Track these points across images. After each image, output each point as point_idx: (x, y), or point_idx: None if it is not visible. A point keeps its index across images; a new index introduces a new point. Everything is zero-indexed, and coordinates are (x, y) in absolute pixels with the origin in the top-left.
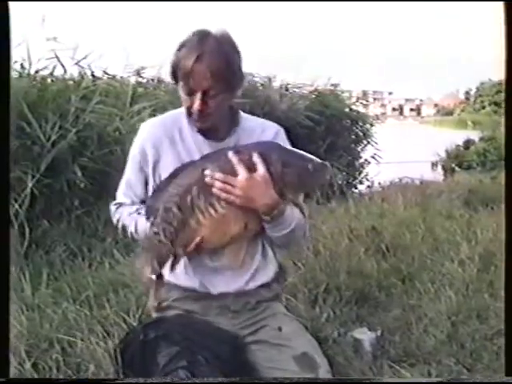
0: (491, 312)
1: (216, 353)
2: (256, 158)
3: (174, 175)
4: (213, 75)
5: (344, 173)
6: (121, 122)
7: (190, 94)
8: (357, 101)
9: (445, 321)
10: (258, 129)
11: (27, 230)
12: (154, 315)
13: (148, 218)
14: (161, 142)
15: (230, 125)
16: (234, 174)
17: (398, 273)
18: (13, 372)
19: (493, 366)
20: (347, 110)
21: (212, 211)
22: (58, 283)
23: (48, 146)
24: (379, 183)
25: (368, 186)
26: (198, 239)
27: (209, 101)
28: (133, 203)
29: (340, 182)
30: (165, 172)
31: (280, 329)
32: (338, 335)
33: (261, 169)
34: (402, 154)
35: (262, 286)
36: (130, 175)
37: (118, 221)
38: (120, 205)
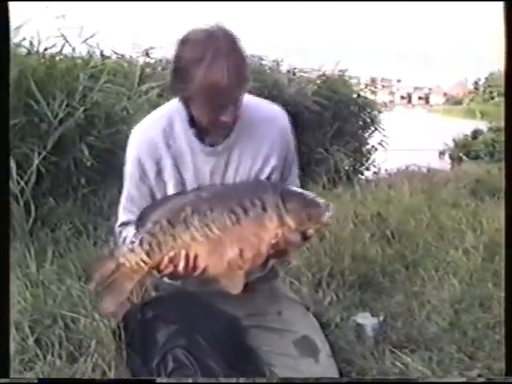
0: (494, 301)
1: (214, 333)
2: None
3: (168, 196)
4: (241, 84)
5: (351, 159)
6: (128, 102)
7: (216, 108)
8: (365, 87)
9: (448, 308)
10: (258, 129)
11: (33, 207)
12: (153, 294)
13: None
14: (157, 150)
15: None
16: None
17: (402, 259)
18: (15, 347)
19: (494, 355)
20: (355, 96)
21: (207, 231)
22: (63, 260)
23: (55, 123)
24: (386, 170)
25: (374, 173)
26: (191, 255)
27: (237, 111)
28: None
29: (346, 168)
30: (168, 178)
31: (280, 313)
32: (341, 319)
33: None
34: (409, 142)
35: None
36: (131, 191)
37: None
38: (126, 224)
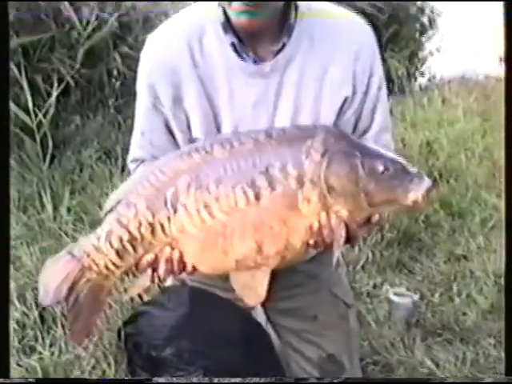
0: None
1: (228, 335)
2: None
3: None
4: None
5: (405, 65)
6: (170, 4)
7: None
8: None
9: (492, 286)
10: (327, 43)
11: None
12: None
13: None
14: (176, 70)
15: (280, 33)
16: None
17: (447, 207)
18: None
19: None
20: None
21: (206, 216)
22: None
23: (88, 30)
24: (441, 77)
25: (429, 80)
26: (175, 256)
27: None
28: (153, 158)
29: (400, 75)
30: (192, 108)
31: (315, 318)
32: (374, 287)
33: None
34: (468, 47)
35: None
36: (141, 121)
37: None
38: (139, 162)
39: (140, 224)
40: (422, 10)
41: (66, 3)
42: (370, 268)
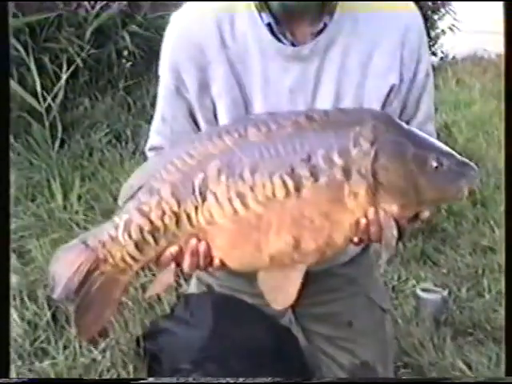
0: None
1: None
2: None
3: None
4: None
5: None
6: None
7: None
8: None
9: None
10: (371, 25)
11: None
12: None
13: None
14: (204, 51)
15: (321, 13)
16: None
17: (469, 194)
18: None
19: None
20: None
21: (239, 206)
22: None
23: (96, 8)
24: (454, 56)
25: (441, 59)
26: (202, 248)
27: None
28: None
29: None
30: (220, 94)
31: (350, 324)
32: (398, 280)
33: None
34: (480, 24)
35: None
36: (163, 106)
37: None
38: (158, 150)
39: (163, 213)
40: None
41: None
42: (394, 260)
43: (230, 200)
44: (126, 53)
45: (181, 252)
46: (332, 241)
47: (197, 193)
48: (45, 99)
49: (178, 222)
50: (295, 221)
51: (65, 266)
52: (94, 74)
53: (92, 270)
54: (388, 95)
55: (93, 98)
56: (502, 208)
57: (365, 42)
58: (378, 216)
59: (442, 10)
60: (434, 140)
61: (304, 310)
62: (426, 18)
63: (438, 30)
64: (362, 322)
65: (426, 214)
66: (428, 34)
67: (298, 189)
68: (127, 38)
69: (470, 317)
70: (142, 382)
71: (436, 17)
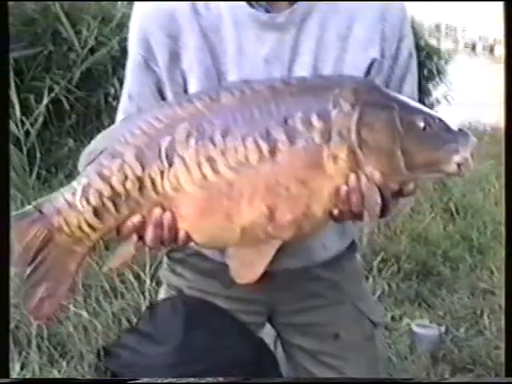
0: None
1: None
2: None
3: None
4: None
5: None
6: None
7: None
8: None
9: None
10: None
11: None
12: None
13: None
14: (175, 18)
15: None
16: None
17: (466, 241)
18: None
19: None
20: (422, 42)
21: (209, 172)
22: None
23: (84, 52)
24: None
25: None
26: (167, 219)
27: None
28: None
29: None
30: (192, 66)
31: (337, 337)
32: (392, 319)
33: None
34: (474, 96)
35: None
36: (130, 82)
37: None
38: None
39: (126, 177)
40: (429, 56)
41: (65, 22)
42: (387, 300)
43: (198, 165)
44: (113, 99)
45: (144, 223)
46: (310, 212)
47: (163, 157)
48: (23, 124)
49: (141, 188)
50: (270, 188)
51: (18, 236)
52: (81, 119)
53: (46, 240)
54: (369, 71)
55: (78, 140)
56: (501, 255)
57: (344, 14)
58: (360, 183)
59: (437, 79)
60: (420, 105)
61: (283, 319)
62: (421, 86)
63: (433, 99)
64: (349, 336)
65: (410, 187)
66: (422, 101)
67: (272, 153)
68: (117, 84)
69: (469, 354)
70: (138, 382)
71: (431, 85)
